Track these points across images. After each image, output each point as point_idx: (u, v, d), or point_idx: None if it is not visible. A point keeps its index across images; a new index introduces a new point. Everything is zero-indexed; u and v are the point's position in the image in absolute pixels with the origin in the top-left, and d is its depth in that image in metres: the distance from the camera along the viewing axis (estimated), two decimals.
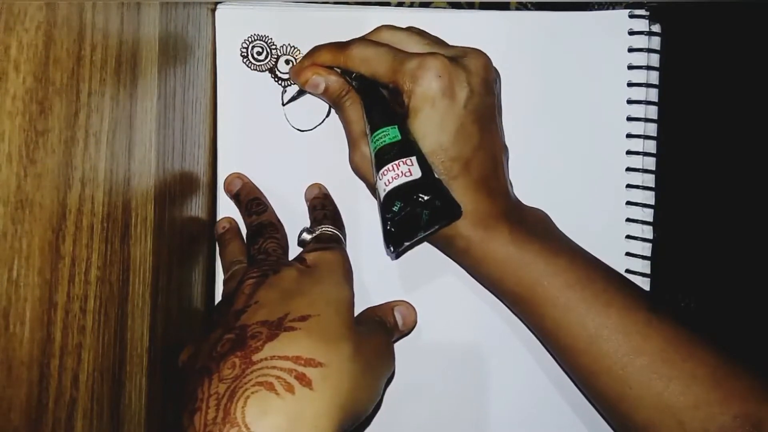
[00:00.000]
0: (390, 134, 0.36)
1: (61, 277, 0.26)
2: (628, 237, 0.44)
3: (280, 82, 0.44)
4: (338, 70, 0.40)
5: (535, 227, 0.39)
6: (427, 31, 0.41)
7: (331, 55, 0.40)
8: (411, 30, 0.40)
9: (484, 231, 0.37)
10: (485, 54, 0.39)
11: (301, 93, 0.44)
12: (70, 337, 0.27)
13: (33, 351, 0.24)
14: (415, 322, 0.40)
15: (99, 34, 0.27)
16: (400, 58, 0.38)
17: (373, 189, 0.40)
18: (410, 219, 0.35)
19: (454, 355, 0.44)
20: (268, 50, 0.44)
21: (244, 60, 0.44)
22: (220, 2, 0.43)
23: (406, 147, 0.36)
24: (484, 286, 0.41)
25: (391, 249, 0.37)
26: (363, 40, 0.40)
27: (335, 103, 0.41)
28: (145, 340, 0.34)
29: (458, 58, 0.38)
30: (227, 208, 0.44)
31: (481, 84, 0.38)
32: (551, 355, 0.40)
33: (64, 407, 0.26)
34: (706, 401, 0.33)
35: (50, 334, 0.25)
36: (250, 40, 0.43)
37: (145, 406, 0.34)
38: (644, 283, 0.43)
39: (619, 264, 0.43)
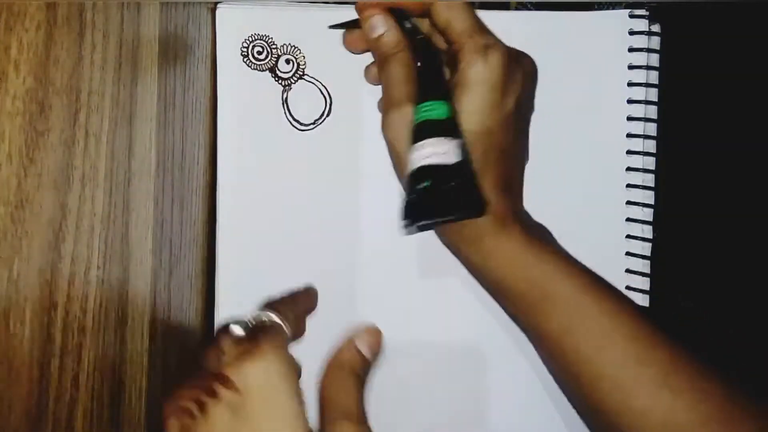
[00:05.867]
0: (438, 110, 0.35)
1: (61, 277, 0.26)
2: (628, 236, 0.44)
3: (280, 81, 0.44)
4: (409, 25, 0.38)
5: (543, 235, 0.39)
6: None
7: None
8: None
9: (501, 225, 0.36)
10: (535, 62, 0.39)
11: (349, 24, 0.40)
12: (70, 337, 0.27)
13: (33, 351, 0.24)
14: (382, 341, 0.36)
15: (99, 34, 0.27)
16: (481, 26, 0.37)
17: (397, 156, 0.38)
18: (435, 200, 0.34)
19: (454, 355, 0.44)
20: (269, 50, 0.44)
21: (245, 60, 0.44)
22: (220, 2, 0.43)
23: (452, 128, 0.35)
24: (485, 283, 0.40)
25: (409, 221, 0.35)
26: None
27: (383, 58, 0.38)
28: (145, 340, 0.34)
29: (519, 57, 0.38)
30: (227, 208, 0.44)
31: (531, 88, 0.38)
32: (543, 360, 0.39)
33: (64, 407, 0.26)
34: (717, 419, 0.32)
35: (50, 334, 0.25)
36: (250, 39, 0.43)
37: (145, 406, 0.34)
38: (644, 283, 0.43)
39: (619, 263, 0.43)
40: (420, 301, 0.42)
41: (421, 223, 0.35)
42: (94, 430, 0.29)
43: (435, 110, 0.35)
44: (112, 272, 0.30)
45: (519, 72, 0.37)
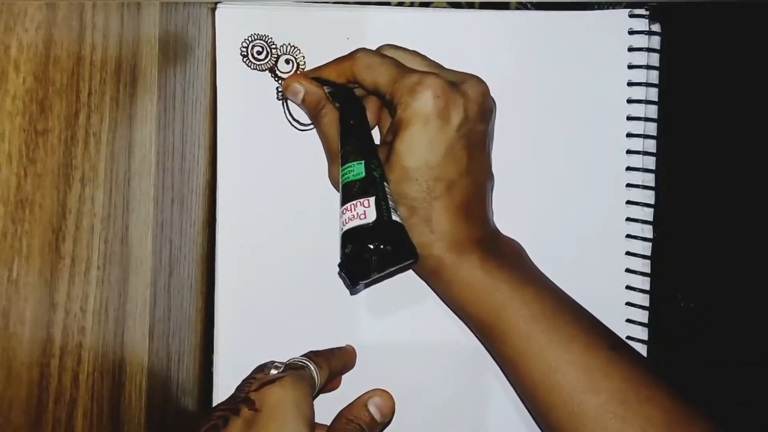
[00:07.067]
0: (355, 170, 0.37)
1: (61, 277, 0.26)
2: (628, 236, 0.44)
3: (280, 81, 0.44)
4: (327, 89, 0.40)
5: (507, 256, 0.39)
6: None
7: (335, 65, 0.40)
8: (414, 51, 0.41)
9: (456, 254, 0.37)
10: (484, 82, 0.39)
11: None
12: (70, 337, 0.27)
13: (33, 351, 0.24)
14: (393, 409, 0.38)
15: (99, 34, 0.27)
16: (403, 70, 0.38)
17: None
18: (361, 262, 0.35)
19: (454, 356, 0.44)
20: (268, 50, 0.44)
21: (244, 59, 0.44)
22: (220, 2, 0.43)
23: (368, 186, 0.36)
24: (452, 310, 0.41)
25: (347, 284, 0.38)
26: (369, 50, 0.40)
27: (312, 115, 0.42)
28: (145, 341, 0.34)
29: (458, 83, 0.38)
30: (227, 208, 0.44)
31: (476, 111, 0.38)
32: (511, 384, 0.40)
33: (64, 407, 0.26)
34: None
35: (50, 334, 0.25)
36: (250, 39, 0.43)
37: (145, 406, 0.34)
38: (644, 283, 0.43)
39: (619, 263, 0.43)
40: (421, 301, 0.42)
41: (356, 285, 0.38)
42: (94, 430, 0.29)
43: (353, 171, 0.37)
44: (112, 272, 0.30)
45: (459, 99, 0.37)
